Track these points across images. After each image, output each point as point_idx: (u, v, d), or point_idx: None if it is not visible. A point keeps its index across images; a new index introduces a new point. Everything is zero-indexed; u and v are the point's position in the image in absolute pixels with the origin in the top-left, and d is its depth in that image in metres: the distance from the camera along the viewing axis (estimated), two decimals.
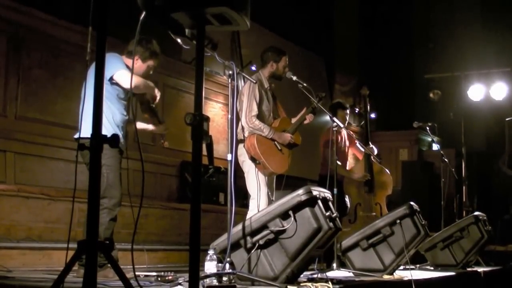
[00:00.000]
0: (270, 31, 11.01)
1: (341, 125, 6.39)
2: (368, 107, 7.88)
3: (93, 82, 2.58)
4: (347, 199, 7.43)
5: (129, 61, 4.86)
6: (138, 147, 3.22)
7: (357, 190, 7.41)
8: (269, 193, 5.75)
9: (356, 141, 7.48)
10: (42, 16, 7.34)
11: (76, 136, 4.59)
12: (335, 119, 6.20)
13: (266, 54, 6.02)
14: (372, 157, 7.33)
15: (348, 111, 7.67)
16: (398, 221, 5.52)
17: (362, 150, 7.38)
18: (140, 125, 5.13)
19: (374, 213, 7.30)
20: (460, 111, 11.98)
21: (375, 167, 7.45)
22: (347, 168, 7.51)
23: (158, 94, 4.90)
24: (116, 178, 4.67)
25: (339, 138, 7.48)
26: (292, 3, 11.83)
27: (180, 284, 4.09)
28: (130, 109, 4.87)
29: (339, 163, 6.95)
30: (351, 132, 7.52)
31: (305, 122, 6.08)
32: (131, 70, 4.67)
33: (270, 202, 5.54)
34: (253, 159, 5.60)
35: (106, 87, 4.50)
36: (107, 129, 4.55)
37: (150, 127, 5.19)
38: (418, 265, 6.94)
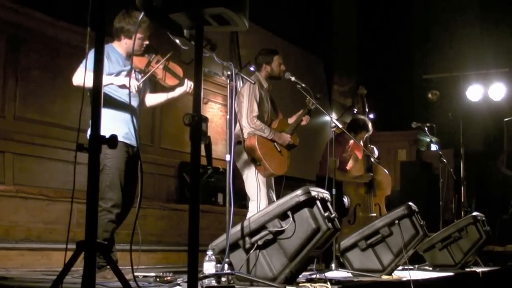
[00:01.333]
0: (269, 32, 11.02)
1: (340, 125, 6.38)
2: (367, 106, 7.86)
3: None
4: (345, 200, 7.42)
5: (120, 44, 4.79)
6: (137, 148, 3.23)
7: (357, 191, 7.40)
8: (270, 194, 5.75)
9: (360, 144, 7.46)
10: (41, 17, 7.35)
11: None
12: (333, 119, 6.20)
13: (258, 59, 6.03)
14: (372, 158, 7.33)
15: (369, 134, 7.58)
16: (396, 221, 5.52)
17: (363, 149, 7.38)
18: (165, 96, 5.04)
19: (374, 214, 7.29)
20: (459, 112, 11.98)
21: (374, 168, 7.45)
22: (347, 167, 7.50)
23: (125, 81, 4.59)
24: (116, 180, 4.58)
25: (347, 148, 7.48)
26: (290, 4, 11.84)
27: (178, 284, 4.09)
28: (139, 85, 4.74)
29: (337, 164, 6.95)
30: (360, 144, 7.50)
31: (302, 123, 6.08)
32: (132, 51, 4.64)
33: (270, 203, 5.53)
34: (253, 160, 5.60)
35: None
36: (110, 128, 4.51)
37: (174, 94, 4.97)
38: (416, 266, 6.94)
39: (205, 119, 2.64)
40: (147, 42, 4.82)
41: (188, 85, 4.84)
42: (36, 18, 7.30)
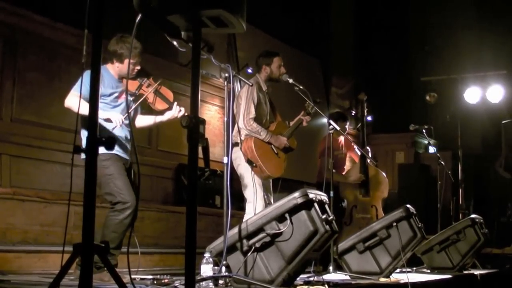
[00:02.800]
0: (266, 34, 11.02)
1: (338, 128, 6.38)
2: (366, 112, 7.86)
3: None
4: (343, 203, 7.43)
5: (113, 67, 4.89)
6: (134, 150, 3.23)
7: (353, 192, 7.41)
8: (266, 197, 5.75)
9: (354, 145, 7.49)
10: (38, 19, 7.34)
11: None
12: (331, 122, 6.20)
13: (258, 60, 6.05)
14: (369, 160, 7.33)
15: (348, 123, 7.66)
16: (394, 224, 5.52)
17: (359, 153, 7.40)
18: (155, 118, 5.14)
19: (369, 216, 7.30)
20: (457, 114, 11.99)
21: (371, 170, 7.45)
22: (343, 173, 7.52)
23: (110, 115, 4.75)
24: (121, 182, 4.64)
25: (338, 145, 7.50)
26: (288, 5, 11.84)
27: (176, 287, 4.08)
28: (127, 113, 4.84)
29: (334, 170, 6.96)
30: (350, 138, 7.52)
31: (303, 124, 6.08)
32: (127, 73, 4.67)
33: (267, 205, 5.53)
34: (249, 162, 5.59)
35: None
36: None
37: (163, 118, 5.08)
38: (414, 268, 6.94)
39: (203, 121, 2.63)
40: (138, 67, 4.92)
41: (177, 109, 4.93)
42: (33, 20, 7.30)
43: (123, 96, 4.89)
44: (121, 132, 4.82)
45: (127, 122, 4.86)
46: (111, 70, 4.91)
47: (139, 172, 4.62)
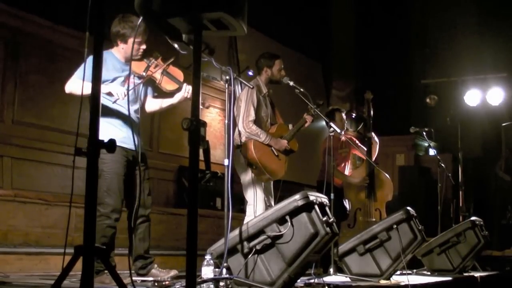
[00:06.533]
0: (267, 37, 11.04)
1: (338, 130, 6.39)
2: (372, 111, 7.81)
3: None
4: (346, 204, 7.42)
5: (118, 50, 4.81)
6: (141, 152, 3.24)
7: (357, 195, 7.40)
8: (266, 199, 5.75)
9: (355, 144, 7.46)
10: (40, 21, 7.35)
11: None
12: (332, 124, 6.21)
13: (259, 61, 6.06)
14: (370, 159, 7.31)
15: (344, 113, 7.64)
16: (394, 226, 5.52)
17: (363, 150, 7.38)
18: (166, 102, 5.04)
19: (373, 219, 7.28)
20: (457, 116, 11.97)
21: (376, 173, 7.42)
22: (347, 173, 7.51)
23: (112, 89, 4.55)
24: (114, 184, 4.58)
25: (339, 144, 7.48)
26: (289, 8, 11.85)
27: None
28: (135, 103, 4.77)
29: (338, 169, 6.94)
30: (353, 139, 7.51)
31: (306, 124, 6.08)
32: (131, 55, 4.61)
33: (267, 208, 5.54)
34: (249, 164, 5.61)
35: None
36: (109, 133, 4.48)
37: (173, 100, 4.97)
38: (414, 270, 6.93)
39: (204, 124, 2.64)
40: (144, 47, 4.82)
41: (186, 89, 4.80)
42: (35, 22, 7.31)
43: (131, 80, 4.75)
44: (126, 118, 4.66)
45: (136, 107, 4.81)
46: (117, 54, 4.81)
47: (140, 174, 4.63)
